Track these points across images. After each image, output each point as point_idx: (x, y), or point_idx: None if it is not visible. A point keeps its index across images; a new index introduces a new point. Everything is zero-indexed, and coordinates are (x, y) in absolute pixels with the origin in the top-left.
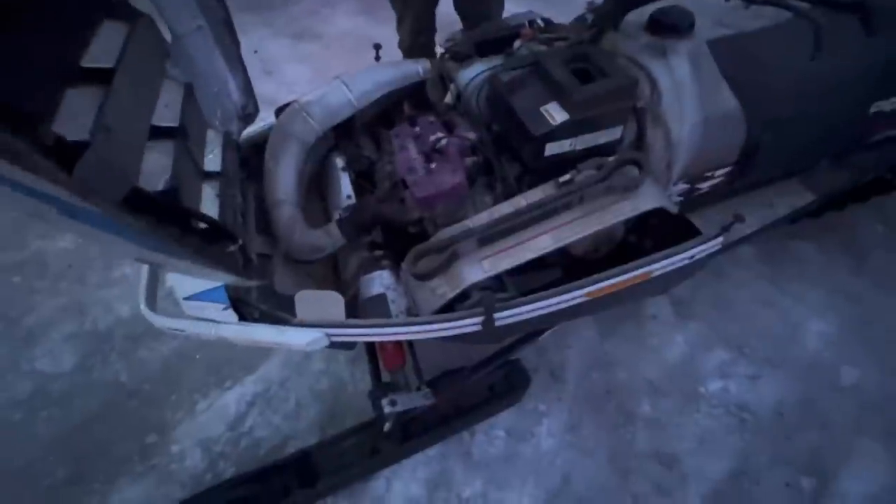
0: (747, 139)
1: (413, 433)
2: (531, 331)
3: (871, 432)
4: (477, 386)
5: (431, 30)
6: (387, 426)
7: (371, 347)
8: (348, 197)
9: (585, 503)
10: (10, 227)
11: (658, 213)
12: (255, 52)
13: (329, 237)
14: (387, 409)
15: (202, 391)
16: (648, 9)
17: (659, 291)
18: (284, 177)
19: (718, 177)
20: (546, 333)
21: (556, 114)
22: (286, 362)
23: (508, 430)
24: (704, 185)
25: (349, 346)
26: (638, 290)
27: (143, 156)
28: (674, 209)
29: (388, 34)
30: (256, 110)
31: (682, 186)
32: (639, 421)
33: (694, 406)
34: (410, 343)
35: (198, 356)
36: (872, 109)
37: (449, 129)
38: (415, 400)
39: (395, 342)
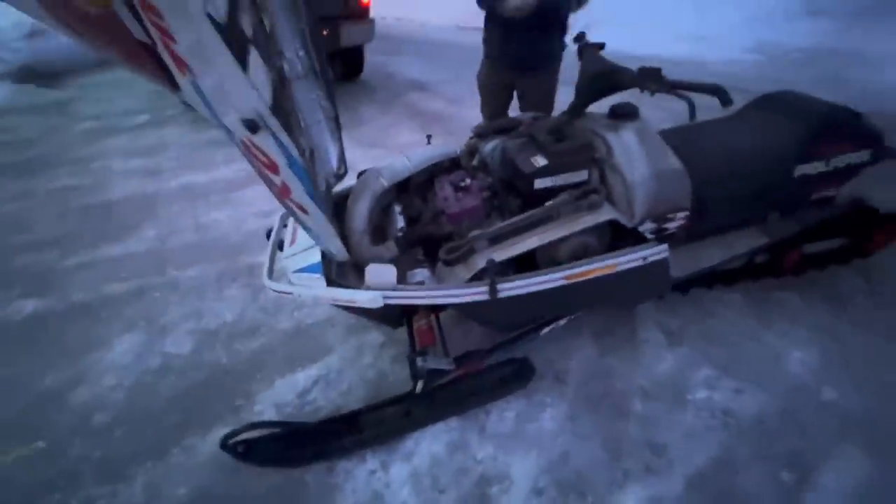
0: (694, 191)
1: (439, 402)
2: (532, 321)
3: (850, 439)
4: (492, 373)
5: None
6: (419, 386)
7: (411, 330)
8: (400, 228)
9: (581, 474)
10: (152, 259)
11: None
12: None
13: (387, 251)
14: (419, 364)
15: (280, 372)
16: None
17: (632, 300)
18: (360, 213)
19: (680, 219)
20: (546, 331)
21: (539, 161)
22: (343, 357)
23: (517, 413)
24: (671, 226)
25: (396, 321)
26: (611, 288)
27: None
28: (628, 224)
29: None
30: (346, 173)
31: (651, 225)
32: (631, 417)
33: (681, 408)
34: (440, 327)
35: (279, 350)
36: (797, 173)
37: (473, 178)
38: (440, 363)
39: (428, 325)
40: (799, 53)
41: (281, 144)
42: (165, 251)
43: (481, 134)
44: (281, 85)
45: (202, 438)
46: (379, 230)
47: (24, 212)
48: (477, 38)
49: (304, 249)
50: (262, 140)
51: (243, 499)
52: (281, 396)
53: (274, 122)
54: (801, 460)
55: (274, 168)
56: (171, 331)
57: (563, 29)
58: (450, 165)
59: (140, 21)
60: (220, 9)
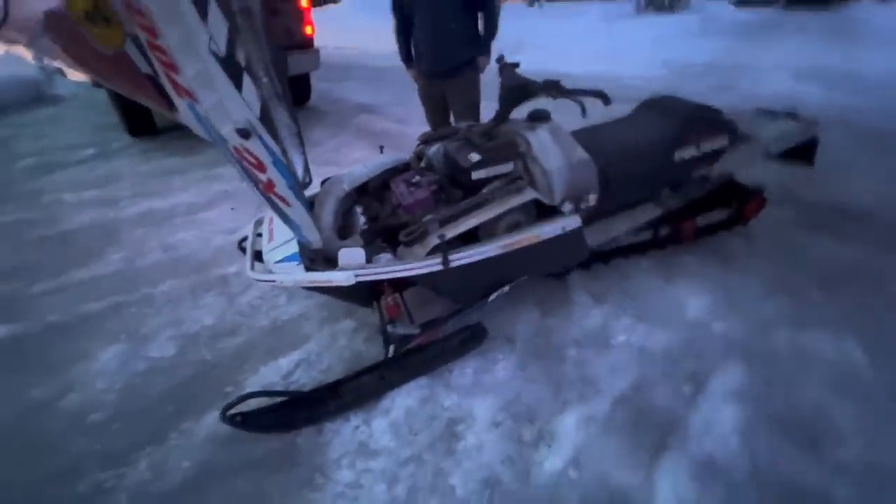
0: (600, 176)
1: (409, 366)
2: (480, 289)
3: (733, 357)
4: (452, 338)
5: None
6: (391, 350)
7: (380, 309)
8: (363, 224)
9: (530, 407)
10: (122, 279)
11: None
12: None
13: (354, 243)
14: (390, 330)
15: (263, 361)
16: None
17: (559, 265)
18: (327, 213)
19: (592, 199)
20: (493, 298)
21: (475, 157)
22: (320, 343)
23: (475, 369)
24: (587, 205)
25: (366, 300)
26: (541, 254)
27: None
28: (549, 202)
29: None
30: (311, 181)
31: (570, 205)
32: (568, 361)
33: (607, 350)
34: (405, 303)
35: (260, 344)
36: (676, 157)
37: (422, 176)
38: (408, 328)
39: (394, 301)
40: (698, 67)
41: (267, 147)
42: (135, 271)
43: (426, 140)
44: (266, 100)
45: (197, 423)
46: (343, 229)
47: None
48: None
49: (282, 244)
50: (252, 144)
51: (244, 463)
52: (267, 380)
53: (262, 129)
54: (698, 376)
55: (261, 167)
56: (153, 339)
57: (474, 38)
58: (402, 169)
59: (146, 57)
60: (221, 47)
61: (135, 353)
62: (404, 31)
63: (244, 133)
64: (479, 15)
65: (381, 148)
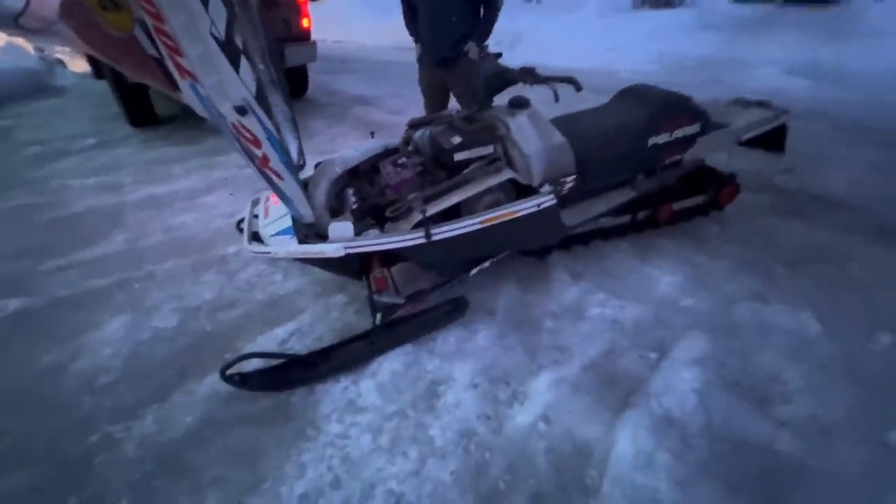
0: (577, 159)
1: (396, 334)
2: (461, 262)
3: (697, 328)
4: (436, 309)
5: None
6: (378, 318)
7: (369, 283)
8: (354, 203)
9: (507, 371)
10: (127, 258)
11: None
12: None
13: (344, 220)
14: (377, 299)
15: (260, 331)
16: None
17: (537, 241)
18: (320, 193)
19: (570, 181)
20: (475, 272)
21: (456, 140)
22: (313, 314)
23: (457, 338)
24: (565, 187)
25: (358, 273)
26: (519, 231)
27: None
28: (526, 182)
29: None
30: (305, 164)
31: (549, 187)
32: (544, 331)
33: (581, 322)
34: (392, 276)
35: (256, 316)
36: (650, 143)
37: (408, 158)
38: (393, 298)
39: (382, 274)
40: (691, 62)
41: (262, 124)
42: (139, 251)
43: (414, 125)
44: (262, 81)
45: (199, 384)
46: (335, 210)
47: None
48: (411, 57)
49: (277, 219)
50: (249, 121)
51: (242, 419)
52: (263, 347)
53: (257, 107)
54: (663, 344)
55: (257, 143)
56: (157, 311)
57: (481, 14)
58: (391, 153)
59: (152, 41)
60: (221, 31)
61: (139, 323)
62: (412, 19)
63: (241, 110)
64: (481, 9)
65: (372, 133)
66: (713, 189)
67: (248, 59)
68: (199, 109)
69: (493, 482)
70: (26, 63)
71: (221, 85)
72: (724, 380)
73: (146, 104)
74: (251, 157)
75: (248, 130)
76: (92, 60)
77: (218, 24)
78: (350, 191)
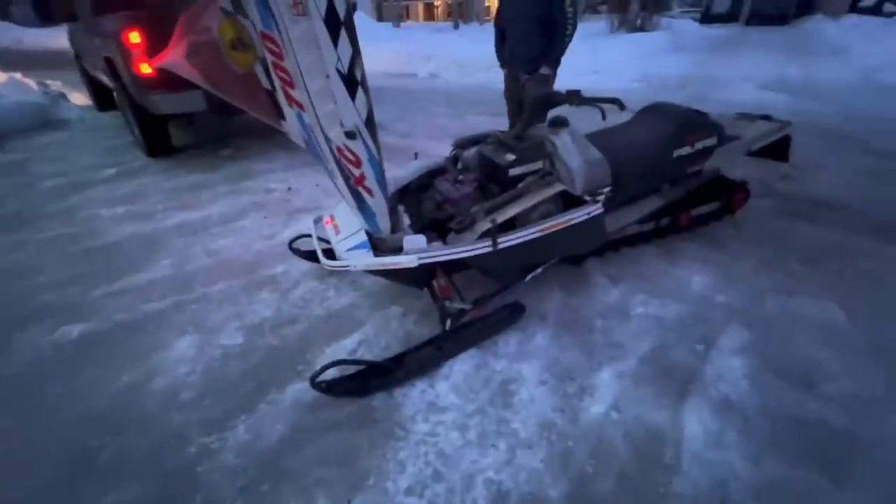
0: (613, 172)
1: (461, 338)
2: (520, 268)
3: (735, 321)
4: (495, 315)
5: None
6: (448, 323)
7: (432, 292)
8: (408, 223)
9: (569, 368)
10: (177, 282)
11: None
12: (289, 189)
13: (405, 234)
14: (447, 305)
15: (328, 343)
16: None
17: (585, 246)
18: None
19: (607, 192)
20: (529, 278)
21: (510, 157)
22: (375, 326)
23: (517, 340)
24: (601, 197)
25: (423, 282)
26: (570, 237)
27: None
28: (574, 192)
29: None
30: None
31: (588, 197)
32: (596, 331)
33: (628, 321)
34: (454, 285)
35: (320, 330)
36: (675, 155)
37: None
38: (461, 304)
39: (446, 282)
40: (673, 80)
41: (367, 146)
42: (186, 275)
43: (461, 145)
44: (371, 109)
45: (281, 394)
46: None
47: (26, 260)
48: (405, 82)
49: (350, 234)
50: (355, 144)
51: (331, 424)
52: (334, 358)
53: (366, 132)
54: (707, 337)
55: (358, 163)
56: (221, 330)
57: (551, 42)
58: (438, 172)
59: (268, 75)
60: (345, 66)
61: (207, 342)
62: (500, 41)
63: (351, 135)
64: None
65: (416, 155)
66: (726, 196)
67: (364, 89)
68: (296, 135)
69: (580, 467)
70: (30, 97)
71: (335, 112)
72: (769, 366)
73: (164, 134)
74: (347, 175)
75: (352, 152)
76: (95, 92)
77: (343, 60)
78: (401, 208)
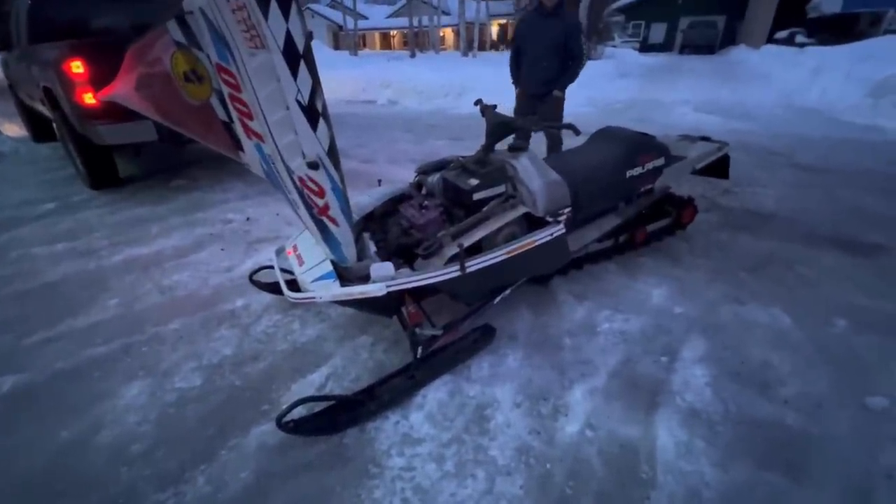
0: (571, 192)
1: (433, 365)
2: (488, 291)
3: (694, 331)
4: (466, 338)
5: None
6: (419, 350)
7: (401, 319)
8: (374, 250)
9: (542, 388)
10: (125, 322)
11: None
12: (247, 219)
13: (371, 261)
14: (418, 333)
15: (293, 379)
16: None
17: (550, 266)
18: None
19: (566, 213)
20: (498, 300)
21: (473, 181)
22: (344, 358)
23: (489, 363)
24: (562, 218)
25: (392, 310)
26: (535, 258)
27: None
28: (537, 213)
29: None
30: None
31: (549, 219)
32: (565, 349)
33: (595, 337)
34: (424, 311)
35: (284, 366)
36: (628, 175)
37: (428, 201)
38: (433, 330)
39: (415, 309)
40: (619, 104)
41: (330, 176)
42: (136, 314)
43: (424, 171)
44: (333, 139)
45: (245, 438)
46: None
47: None
48: (364, 109)
49: (315, 264)
50: (318, 175)
51: (300, 466)
52: (300, 395)
53: (328, 162)
54: (670, 348)
55: (321, 193)
56: (176, 372)
57: (564, 69)
58: (402, 198)
59: (224, 107)
60: (305, 97)
61: (160, 386)
62: (516, 62)
63: (314, 165)
64: (568, 63)
65: (379, 181)
66: (677, 212)
67: (325, 120)
68: (256, 167)
69: (560, 489)
70: None
71: (296, 143)
72: (728, 372)
73: (110, 165)
74: (311, 205)
75: (315, 182)
76: (31, 123)
77: (304, 91)
78: (366, 235)
